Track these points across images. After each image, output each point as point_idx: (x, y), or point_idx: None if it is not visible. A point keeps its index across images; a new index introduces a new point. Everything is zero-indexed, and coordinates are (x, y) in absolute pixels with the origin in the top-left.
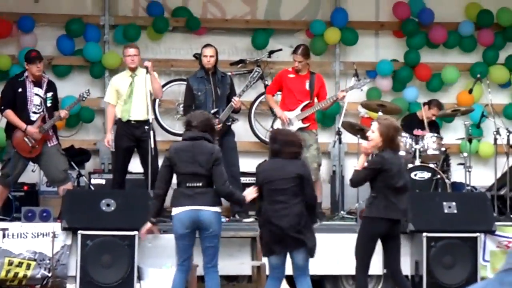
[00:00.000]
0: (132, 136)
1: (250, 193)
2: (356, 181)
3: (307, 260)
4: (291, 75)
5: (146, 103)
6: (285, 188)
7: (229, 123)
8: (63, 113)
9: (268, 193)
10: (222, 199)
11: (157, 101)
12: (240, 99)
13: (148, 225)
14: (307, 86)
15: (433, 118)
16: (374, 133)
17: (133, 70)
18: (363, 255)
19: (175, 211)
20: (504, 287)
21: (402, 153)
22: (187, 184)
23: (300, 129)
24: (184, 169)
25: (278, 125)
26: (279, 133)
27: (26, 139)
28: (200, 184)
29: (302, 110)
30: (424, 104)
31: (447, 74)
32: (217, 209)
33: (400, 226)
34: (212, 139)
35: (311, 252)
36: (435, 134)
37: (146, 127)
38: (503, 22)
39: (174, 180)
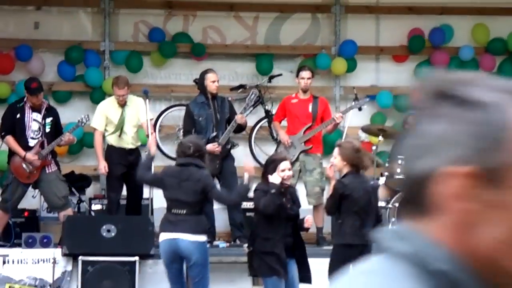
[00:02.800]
0: (126, 162)
1: (249, 169)
2: (328, 210)
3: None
4: (294, 100)
5: (137, 131)
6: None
7: (229, 147)
8: (66, 136)
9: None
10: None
11: (157, 126)
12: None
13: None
14: (310, 109)
15: None
16: (336, 159)
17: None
18: None
19: (160, 238)
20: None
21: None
22: (172, 211)
23: (303, 151)
24: (169, 195)
25: (281, 149)
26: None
27: (24, 165)
28: (184, 212)
29: (304, 133)
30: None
31: None
32: (197, 237)
33: (370, 250)
34: (202, 164)
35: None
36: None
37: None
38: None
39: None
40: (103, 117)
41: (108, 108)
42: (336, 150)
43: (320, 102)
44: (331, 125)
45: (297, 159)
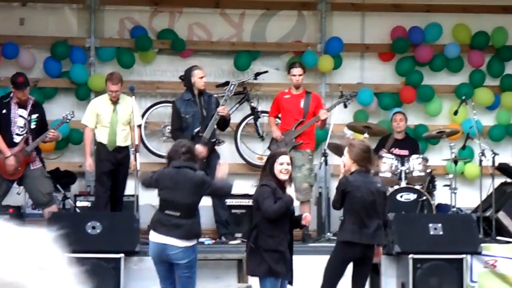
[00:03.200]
0: (114, 160)
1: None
2: (333, 205)
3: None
4: (287, 96)
5: (128, 129)
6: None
7: (214, 140)
8: (51, 133)
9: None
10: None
11: (143, 123)
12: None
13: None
14: (301, 105)
15: (402, 124)
16: (345, 157)
17: (115, 103)
18: (331, 278)
19: (150, 237)
20: None
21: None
22: (166, 211)
23: (294, 147)
24: (164, 195)
25: (274, 146)
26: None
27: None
28: (178, 214)
29: (295, 128)
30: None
31: (431, 108)
32: (188, 243)
33: (372, 251)
34: (196, 167)
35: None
36: (421, 156)
37: (132, 149)
38: (497, 44)
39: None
40: (93, 114)
41: (99, 105)
42: (346, 149)
43: (313, 97)
44: (319, 121)
45: None
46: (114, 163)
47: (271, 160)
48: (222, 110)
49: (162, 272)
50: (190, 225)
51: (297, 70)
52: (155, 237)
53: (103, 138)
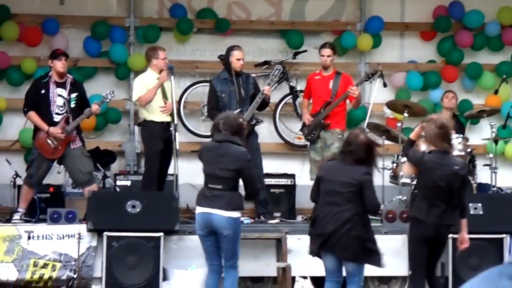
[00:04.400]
0: (164, 137)
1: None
2: (404, 151)
3: (358, 269)
4: (317, 77)
5: (174, 106)
6: (340, 192)
7: (253, 123)
8: (94, 107)
9: (324, 192)
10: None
11: (182, 102)
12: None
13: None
14: (330, 86)
15: (454, 101)
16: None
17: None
18: (413, 257)
19: (196, 211)
20: (502, 277)
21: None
22: (209, 185)
23: (323, 128)
24: (206, 170)
25: (305, 128)
26: (352, 135)
27: (48, 141)
28: (220, 187)
29: (324, 109)
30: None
31: (484, 80)
32: (231, 213)
33: (445, 231)
34: (240, 142)
35: (357, 260)
36: (461, 135)
37: (171, 128)
38: None
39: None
40: (144, 88)
41: (148, 79)
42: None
43: (342, 78)
44: (353, 100)
45: (318, 136)
46: (164, 140)
47: None
48: (267, 90)
49: (209, 247)
50: (231, 197)
51: (326, 51)
52: (199, 209)
53: (152, 115)
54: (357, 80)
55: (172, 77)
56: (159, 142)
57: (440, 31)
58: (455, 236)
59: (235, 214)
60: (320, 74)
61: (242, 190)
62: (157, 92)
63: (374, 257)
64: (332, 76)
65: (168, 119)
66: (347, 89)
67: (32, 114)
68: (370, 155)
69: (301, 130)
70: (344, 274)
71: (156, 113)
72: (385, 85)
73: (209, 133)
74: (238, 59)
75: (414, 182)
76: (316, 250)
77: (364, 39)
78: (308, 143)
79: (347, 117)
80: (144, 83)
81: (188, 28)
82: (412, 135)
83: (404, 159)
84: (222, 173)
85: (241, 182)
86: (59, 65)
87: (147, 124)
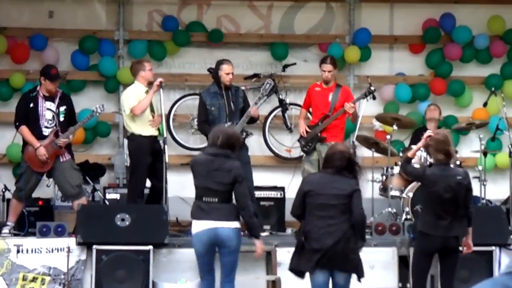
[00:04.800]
0: (153, 151)
1: (260, 250)
2: (402, 168)
3: (348, 281)
4: (317, 89)
5: (163, 118)
6: (334, 204)
7: (243, 137)
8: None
9: (314, 207)
10: None
11: (171, 115)
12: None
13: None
14: (329, 98)
15: (434, 115)
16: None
17: (150, 84)
18: (416, 271)
19: (194, 227)
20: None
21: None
22: (203, 199)
23: (319, 141)
24: (200, 183)
25: (302, 139)
26: (330, 147)
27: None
28: (216, 200)
29: (322, 122)
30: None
31: (464, 99)
32: (236, 224)
33: (455, 241)
34: (231, 155)
35: (357, 273)
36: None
37: (161, 141)
38: None
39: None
40: (135, 99)
41: (136, 90)
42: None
43: (342, 91)
44: (350, 115)
45: (314, 148)
46: (152, 154)
47: None
48: (253, 112)
49: (206, 262)
50: (230, 208)
51: (326, 66)
52: (201, 225)
53: (139, 129)
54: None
55: (161, 90)
56: (147, 156)
57: (429, 42)
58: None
59: (237, 224)
60: (321, 86)
61: None
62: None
63: (362, 267)
64: (332, 89)
65: (156, 133)
66: (347, 102)
67: (24, 128)
68: (350, 164)
69: (298, 140)
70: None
71: (144, 127)
72: (374, 97)
73: (198, 146)
74: (227, 73)
75: (404, 195)
76: (312, 266)
77: (351, 51)
78: (304, 154)
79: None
80: (134, 94)
81: (184, 40)
82: (410, 154)
83: (394, 171)
84: (217, 186)
85: None
86: (51, 85)
87: (134, 138)
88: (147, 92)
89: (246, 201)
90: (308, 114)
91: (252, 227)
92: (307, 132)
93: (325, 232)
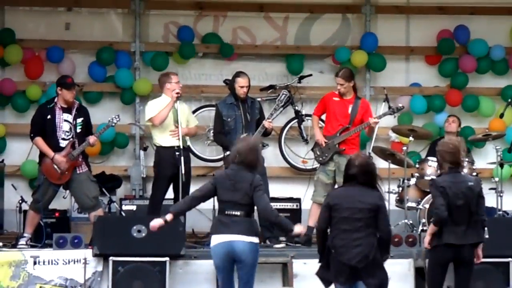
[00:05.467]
0: (175, 162)
1: (300, 227)
2: (438, 218)
3: None
4: (336, 98)
5: (180, 129)
6: (359, 218)
7: None
8: (92, 139)
9: (339, 220)
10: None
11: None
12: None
13: (161, 222)
14: (349, 110)
15: (454, 125)
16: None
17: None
18: (431, 283)
19: (213, 241)
20: None
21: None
22: (226, 212)
23: (337, 153)
24: (224, 197)
25: (317, 149)
26: (351, 160)
27: (55, 166)
28: (239, 213)
29: (340, 134)
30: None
31: (484, 109)
32: (252, 239)
33: (469, 251)
34: (255, 167)
35: (381, 286)
36: (466, 159)
37: (177, 153)
38: None
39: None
40: (156, 110)
41: (161, 103)
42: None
43: (361, 104)
44: (367, 128)
45: (331, 159)
46: (175, 165)
47: None
48: (268, 124)
49: (226, 276)
50: (250, 222)
51: (338, 80)
52: (218, 238)
53: (161, 140)
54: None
55: (178, 102)
56: (167, 167)
57: (443, 54)
58: None
59: (256, 239)
60: (339, 96)
61: None
62: (169, 113)
63: (387, 283)
64: (351, 101)
65: (178, 143)
66: (365, 115)
67: (39, 140)
68: (372, 175)
69: (312, 149)
70: None
71: (164, 138)
72: (394, 114)
73: (214, 157)
74: (242, 87)
75: (420, 206)
76: (341, 280)
77: (358, 56)
78: (318, 164)
79: None
80: (156, 106)
81: (190, 53)
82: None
83: (411, 182)
84: (241, 199)
85: None
86: (69, 95)
87: (156, 149)
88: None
89: (265, 211)
90: (320, 122)
91: (282, 223)
92: (325, 142)
93: (351, 245)
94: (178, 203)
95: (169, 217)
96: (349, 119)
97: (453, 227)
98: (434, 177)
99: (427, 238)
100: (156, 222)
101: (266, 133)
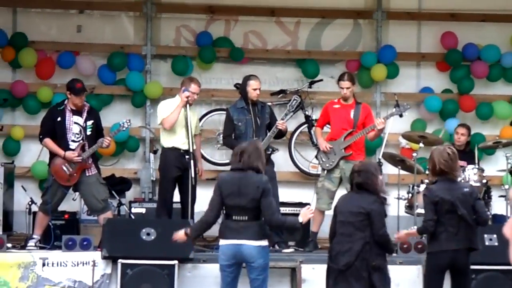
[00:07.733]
0: (181, 164)
1: (305, 214)
2: (423, 230)
3: None
4: (336, 106)
5: (191, 134)
6: (350, 222)
7: (269, 152)
8: (106, 142)
9: (337, 224)
10: None
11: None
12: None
13: (183, 234)
14: (351, 115)
15: (463, 139)
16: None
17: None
18: None
19: (221, 243)
20: None
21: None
22: (233, 217)
23: (343, 158)
24: (230, 202)
25: (322, 156)
26: (356, 165)
27: (64, 167)
28: (246, 218)
29: (345, 139)
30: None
31: (499, 109)
32: (261, 242)
33: (465, 257)
34: (260, 169)
35: None
36: (476, 166)
37: (187, 156)
38: None
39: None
40: (168, 111)
41: (173, 103)
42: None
43: (363, 108)
44: (372, 132)
45: (337, 166)
46: (181, 168)
47: None
48: (281, 125)
49: (229, 278)
50: (259, 226)
51: (344, 83)
52: (226, 241)
53: (167, 143)
54: (386, 111)
55: (188, 106)
56: (172, 170)
57: (451, 65)
58: (471, 267)
59: (265, 242)
60: (340, 103)
61: None
62: (179, 115)
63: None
64: (352, 106)
65: (185, 147)
66: (368, 119)
67: (48, 140)
68: (367, 179)
69: (316, 157)
70: None
71: (171, 141)
72: (401, 115)
73: (224, 161)
74: (254, 89)
75: None
76: (333, 283)
77: (378, 70)
78: (325, 171)
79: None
80: (167, 107)
81: (211, 57)
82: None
83: (420, 189)
84: (248, 203)
85: None
86: (77, 100)
87: (162, 151)
88: (184, 108)
89: (271, 216)
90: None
91: (290, 226)
92: (329, 148)
93: (340, 250)
94: (197, 227)
95: (186, 235)
96: (352, 123)
97: (447, 233)
98: (428, 185)
99: (403, 235)
100: (178, 237)
101: (281, 134)
